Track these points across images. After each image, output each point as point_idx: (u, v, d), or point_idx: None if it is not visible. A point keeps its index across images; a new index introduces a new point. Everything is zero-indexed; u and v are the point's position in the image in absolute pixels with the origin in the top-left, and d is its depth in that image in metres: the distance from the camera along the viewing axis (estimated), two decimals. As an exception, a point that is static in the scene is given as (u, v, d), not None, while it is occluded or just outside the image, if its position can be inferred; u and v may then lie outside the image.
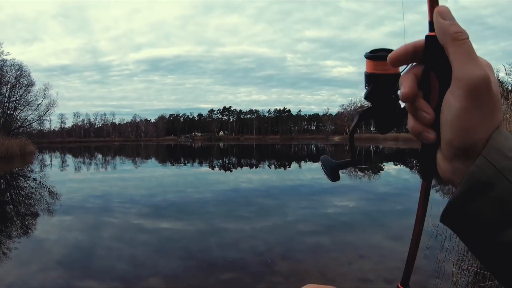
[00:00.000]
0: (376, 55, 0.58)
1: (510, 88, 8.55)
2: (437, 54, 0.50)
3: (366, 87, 0.61)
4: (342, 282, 4.73)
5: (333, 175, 0.67)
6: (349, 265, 5.33)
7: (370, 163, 25.92)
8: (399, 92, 0.53)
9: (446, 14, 0.48)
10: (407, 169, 20.62)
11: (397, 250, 5.93)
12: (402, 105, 0.58)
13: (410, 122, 0.53)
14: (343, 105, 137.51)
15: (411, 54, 0.52)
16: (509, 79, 38.42)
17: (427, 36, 0.50)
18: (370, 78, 0.60)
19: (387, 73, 0.58)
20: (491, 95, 0.45)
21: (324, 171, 0.67)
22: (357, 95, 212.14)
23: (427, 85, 0.51)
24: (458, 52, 0.46)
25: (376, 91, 0.60)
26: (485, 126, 0.46)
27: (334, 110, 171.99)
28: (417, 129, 0.52)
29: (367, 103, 0.63)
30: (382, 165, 23.85)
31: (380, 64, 0.58)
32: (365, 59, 0.60)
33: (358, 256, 5.73)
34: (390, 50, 0.54)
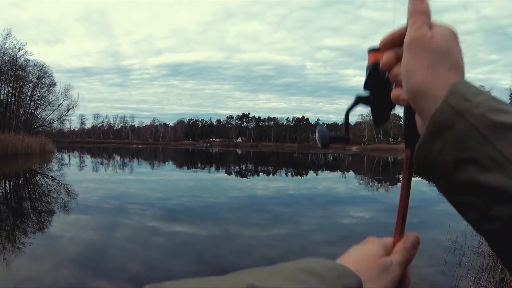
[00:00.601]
0: (374, 48, 0.64)
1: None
2: None
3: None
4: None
5: (324, 141, 0.69)
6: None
7: (389, 174, 25.68)
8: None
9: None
10: (425, 182, 20.33)
11: (415, 264, 5.82)
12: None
13: (393, 91, 0.60)
14: (362, 114, 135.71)
15: (398, 38, 0.58)
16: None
17: None
18: (368, 68, 0.66)
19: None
20: (425, 48, 0.52)
21: (317, 138, 0.70)
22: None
23: None
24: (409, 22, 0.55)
25: (372, 78, 0.66)
26: (434, 74, 0.51)
27: (352, 120, 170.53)
28: (396, 94, 0.59)
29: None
30: (399, 176, 23.58)
31: (376, 54, 0.64)
32: (367, 54, 0.67)
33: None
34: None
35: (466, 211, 0.48)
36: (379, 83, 0.65)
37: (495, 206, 0.43)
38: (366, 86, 0.67)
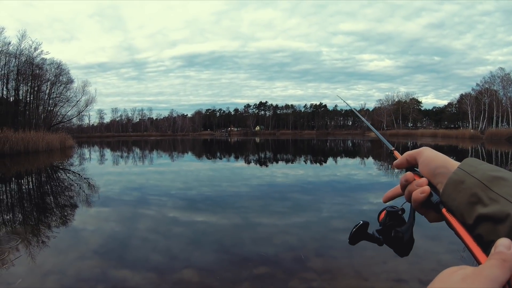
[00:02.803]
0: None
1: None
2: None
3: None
4: (376, 282, 4.64)
5: (352, 240, 0.90)
6: (384, 264, 5.23)
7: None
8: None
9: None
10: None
11: (433, 250, 5.78)
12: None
13: (405, 192, 0.85)
14: (380, 100, 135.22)
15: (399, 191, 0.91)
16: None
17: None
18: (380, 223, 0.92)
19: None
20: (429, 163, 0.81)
21: (351, 233, 0.90)
22: (394, 89, 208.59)
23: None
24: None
25: (384, 227, 0.90)
26: (447, 159, 0.80)
27: (371, 105, 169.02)
28: (416, 196, 0.78)
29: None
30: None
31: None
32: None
33: (393, 256, 5.58)
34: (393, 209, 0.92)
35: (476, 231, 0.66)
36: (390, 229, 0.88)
37: (496, 226, 0.63)
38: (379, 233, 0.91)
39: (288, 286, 4.57)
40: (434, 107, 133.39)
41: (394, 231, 0.86)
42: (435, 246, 6.04)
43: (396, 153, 1.03)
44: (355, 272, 4.99)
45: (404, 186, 0.84)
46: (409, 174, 0.83)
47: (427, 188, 0.76)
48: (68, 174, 17.46)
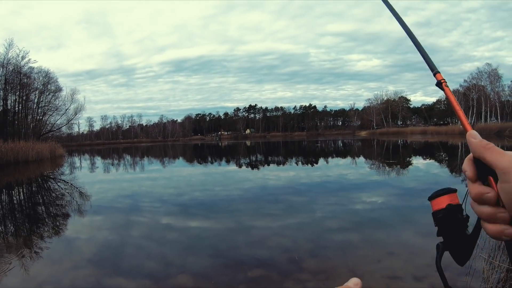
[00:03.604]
0: (436, 194, 0.78)
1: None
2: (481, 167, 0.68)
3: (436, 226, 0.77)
4: (371, 280, 4.67)
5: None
6: (378, 263, 5.26)
7: (399, 157, 25.62)
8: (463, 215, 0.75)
9: (475, 135, 0.70)
10: (436, 163, 20.28)
11: (427, 247, 5.82)
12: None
13: (492, 226, 0.68)
14: (369, 99, 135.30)
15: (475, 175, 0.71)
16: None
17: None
18: (435, 215, 0.76)
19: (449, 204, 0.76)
20: None
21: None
22: (383, 88, 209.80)
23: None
24: (491, 155, 0.66)
25: (444, 222, 0.75)
26: None
27: (360, 105, 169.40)
28: (499, 229, 0.67)
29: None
30: (410, 159, 23.50)
31: (445, 198, 0.77)
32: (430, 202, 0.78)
33: (387, 253, 5.64)
34: (447, 189, 0.78)
35: None
36: (455, 225, 0.74)
37: None
38: (439, 232, 0.76)
39: (283, 287, 4.59)
40: (423, 105, 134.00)
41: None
42: (429, 242, 6.08)
43: (439, 76, 0.92)
44: (350, 271, 5.02)
45: (476, 201, 0.69)
46: (488, 193, 0.67)
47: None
48: (59, 184, 17.35)
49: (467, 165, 0.71)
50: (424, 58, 0.99)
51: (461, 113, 0.80)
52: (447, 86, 0.90)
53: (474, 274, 4.51)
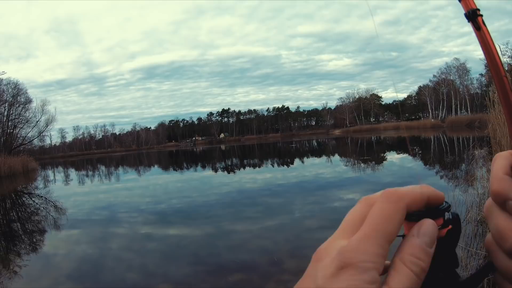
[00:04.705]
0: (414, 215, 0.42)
1: (506, 68, 8.53)
2: None
3: None
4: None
5: None
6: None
7: (373, 154, 25.92)
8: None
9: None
10: (410, 158, 20.60)
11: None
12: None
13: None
14: (341, 98, 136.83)
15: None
16: (504, 59, 38.37)
17: None
18: None
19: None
20: None
21: None
22: (354, 87, 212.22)
23: None
24: None
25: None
26: None
27: (333, 104, 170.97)
28: None
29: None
30: (385, 155, 23.83)
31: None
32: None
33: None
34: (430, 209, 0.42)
35: None
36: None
37: None
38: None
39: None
40: (394, 101, 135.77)
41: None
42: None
43: (481, 21, 0.67)
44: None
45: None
46: None
47: None
48: (34, 199, 17.02)
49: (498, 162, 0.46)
50: None
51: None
52: (485, 24, 0.66)
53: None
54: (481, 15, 0.64)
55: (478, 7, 0.61)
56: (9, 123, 50.50)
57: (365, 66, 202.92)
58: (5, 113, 49.67)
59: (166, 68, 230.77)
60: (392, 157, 21.52)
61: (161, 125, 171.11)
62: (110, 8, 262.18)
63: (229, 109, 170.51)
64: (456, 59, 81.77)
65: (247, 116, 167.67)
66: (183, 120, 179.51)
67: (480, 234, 5.15)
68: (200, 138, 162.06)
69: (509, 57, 41.79)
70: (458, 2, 0.65)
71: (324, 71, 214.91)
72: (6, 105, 49.66)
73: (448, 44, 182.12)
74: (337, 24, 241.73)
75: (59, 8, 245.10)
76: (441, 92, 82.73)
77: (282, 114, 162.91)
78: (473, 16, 0.63)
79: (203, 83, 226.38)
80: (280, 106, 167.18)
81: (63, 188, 21.44)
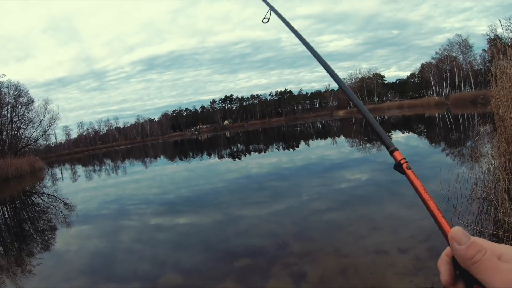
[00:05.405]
0: None
1: (509, 43, 8.47)
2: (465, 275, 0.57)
3: None
4: (356, 257, 4.77)
5: None
6: (362, 239, 5.35)
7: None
8: None
9: (461, 238, 0.57)
10: (415, 136, 20.54)
11: (410, 218, 5.96)
12: None
13: None
14: (344, 78, 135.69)
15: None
16: (507, 34, 38.05)
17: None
18: None
19: None
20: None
21: None
22: (356, 67, 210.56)
23: None
24: (482, 271, 0.53)
25: None
26: None
27: (335, 85, 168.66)
28: None
29: None
30: (390, 134, 23.75)
31: None
32: None
33: (372, 229, 5.74)
34: None
35: None
36: None
37: None
38: None
39: (270, 274, 4.66)
40: (397, 79, 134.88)
41: None
42: (410, 213, 6.21)
43: (397, 154, 0.82)
44: (335, 250, 5.12)
45: None
46: None
47: None
48: (43, 198, 17.13)
49: (443, 264, 0.60)
50: (380, 136, 0.93)
51: (431, 202, 0.73)
52: (410, 168, 0.79)
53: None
54: (406, 162, 0.78)
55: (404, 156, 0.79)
56: (13, 125, 50.62)
57: (367, 46, 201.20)
58: (8, 115, 49.79)
59: (166, 58, 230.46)
60: (397, 136, 21.44)
61: (165, 115, 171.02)
62: (105, 2, 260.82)
63: (231, 95, 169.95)
64: (458, 35, 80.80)
65: (250, 102, 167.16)
66: (186, 109, 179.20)
67: (485, 212, 5.17)
68: (204, 126, 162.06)
69: (511, 32, 41.39)
70: None
71: (326, 52, 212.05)
72: (9, 107, 49.77)
73: (449, 20, 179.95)
74: (336, 4, 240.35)
75: (54, 6, 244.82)
76: (444, 69, 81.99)
77: (285, 98, 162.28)
78: (398, 166, 0.78)
79: (204, 71, 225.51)
80: (282, 89, 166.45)
81: (71, 185, 21.55)
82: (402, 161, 0.79)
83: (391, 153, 0.84)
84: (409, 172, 0.76)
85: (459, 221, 5.01)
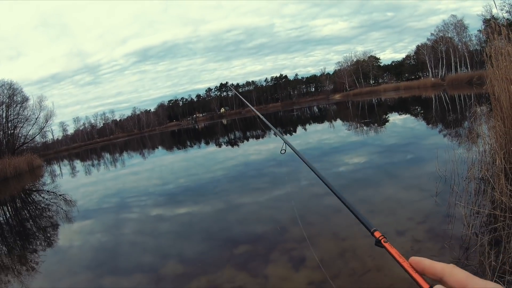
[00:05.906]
0: None
1: (504, 23, 8.47)
2: None
3: None
4: (353, 240, 4.82)
5: None
6: (360, 223, 5.39)
7: (375, 116, 25.89)
8: None
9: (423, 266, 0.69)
10: (412, 117, 20.57)
11: (408, 200, 6.01)
12: None
13: None
14: (339, 62, 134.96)
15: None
16: (502, 14, 37.92)
17: None
18: None
19: None
20: None
21: None
22: (351, 50, 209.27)
23: None
24: None
25: None
26: None
27: (331, 69, 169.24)
28: None
29: None
30: (387, 116, 23.76)
31: None
32: None
33: (370, 211, 5.78)
34: None
35: None
36: None
37: None
38: None
39: (270, 259, 4.72)
40: (393, 62, 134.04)
41: None
42: (408, 195, 6.27)
43: (377, 233, 0.93)
44: (333, 235, 5.17)
45: None
46: None
47: None
48: (43, 195, 17.12)
49: None
50: (359, 219, 1.07)
51: (405, 263, 0.77)
52: (387, 242, 0.89)
53: (455, 222, 4.65)
54: (384, 238, 0.90)
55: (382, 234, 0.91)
56: (9, 124, 50.35)
57: (361, 29, 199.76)
58: (4, 115, 49.53)
59: (159, 48, 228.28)
60: (394, 118, 21.46)
61: (161, 106, 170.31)
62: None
63: (227, 83, 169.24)
64: (453, 16, 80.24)
65: (246, 88, 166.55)
66: (182, 98, 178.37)
67: (482, 192, 5.21)
68: (201, 115, 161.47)
69: (506, 12, 41.20)
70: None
71: (320, 37, 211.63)
72: (3, 106, 49.49)
73: (444, 1, 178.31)
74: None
75: (43, 2, 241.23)
76: (440, 50, 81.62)
77: (280, 83, 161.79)
78: (378, 242, 0.90)
79: (198, 60, 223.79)
80: (278, 75, 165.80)
81: (70, 181, 21.54)
82: (380, 238, 0.91)
83: (372, 233, 0.95)
84: (386, 245, 0.87)
85: (456, 201, 5.06)
